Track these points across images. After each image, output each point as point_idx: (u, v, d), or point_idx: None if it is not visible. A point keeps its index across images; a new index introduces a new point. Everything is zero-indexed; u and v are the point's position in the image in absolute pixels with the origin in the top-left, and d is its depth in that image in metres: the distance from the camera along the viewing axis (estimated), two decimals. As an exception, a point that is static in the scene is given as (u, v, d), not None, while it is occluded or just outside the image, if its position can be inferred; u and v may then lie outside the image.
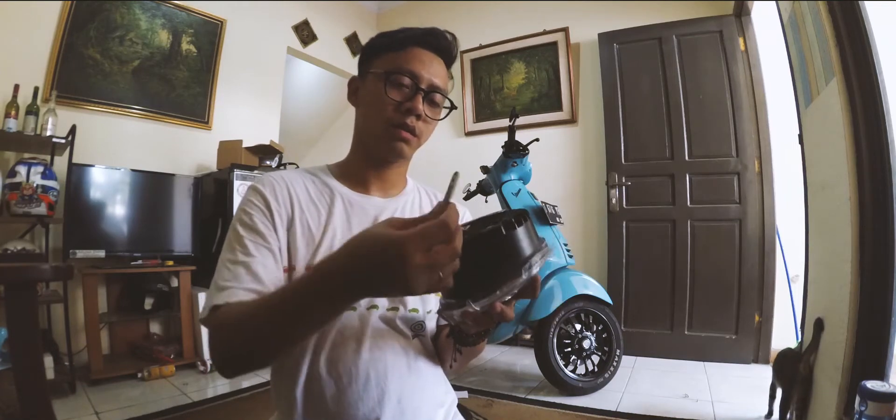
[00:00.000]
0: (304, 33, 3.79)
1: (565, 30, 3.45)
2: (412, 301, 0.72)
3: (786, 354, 1.72)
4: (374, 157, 0.75)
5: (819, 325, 1.56)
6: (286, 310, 0.51)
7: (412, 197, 0.83)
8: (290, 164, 3.15)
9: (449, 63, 0.75)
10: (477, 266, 0.45)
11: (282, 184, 0.71)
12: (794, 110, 1.87)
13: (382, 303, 0.70)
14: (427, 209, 0.83)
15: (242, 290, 0.61)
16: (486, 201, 2.54)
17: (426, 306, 0.74)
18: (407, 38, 0.71)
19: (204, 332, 2.63)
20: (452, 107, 0.76)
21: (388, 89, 0.69)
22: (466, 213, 0.87)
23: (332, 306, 0.49)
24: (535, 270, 0.47)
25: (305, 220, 0.69)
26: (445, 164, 3.58)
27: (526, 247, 0.47)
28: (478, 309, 0.46)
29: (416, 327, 0.74)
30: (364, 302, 0.69)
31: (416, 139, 0.71)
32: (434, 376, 0.75)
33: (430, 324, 0.77)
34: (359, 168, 0.77)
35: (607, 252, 3.10)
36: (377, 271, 0.43)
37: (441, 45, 0.73)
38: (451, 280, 0.43)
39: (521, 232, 0.47)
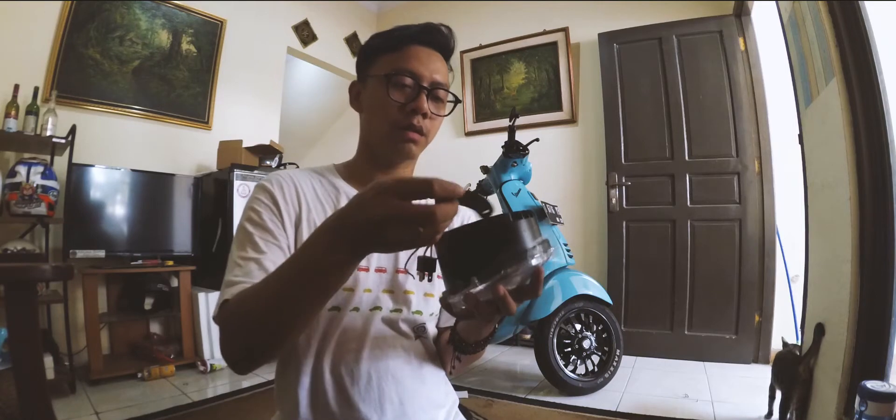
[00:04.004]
0: (304, 33, 3.79)
1: (565, 30, 3.45)
2: (416, 302, 0.72)
3: (784, 356, 1.72)
4: (381, 160, 0.75)
5: (820, 330, 1.56)
6: (284, 282, 0.51)
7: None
8: (290, 163, 3.15)
9: (447, 57, 0.75)
10: (482, 247, 0.47)
11: (289, 182, 0.71)
12: (794, 110, 1.87)
13: (386, 305, 0.71)
14: None
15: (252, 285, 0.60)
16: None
17: (429, 308, 0.74)
18: (404, 37, 0.71)
19: (204, 332, 2.63)
20: (457, 100, 0.75)
21: (391, 91, 0.68)
22: (471, 214, 0.87)
23: (322, 269, 0.47)
24: (537, 260, 0.48)
25: (312, 218, 0.69)
26: (446, 165, 3.58)
27: (530, 236, 0.49)
28: (481, 287, 0.46)
29: (419, 329, 0.74)
30: (367, 304, 0.69)
31: (423, 138, 0.71)
32: (436, 378, 0.76)
33: (432, 326, 0.77)
34: (366, 170, 0.77)
35: (607, 252, 3.10)
36: (353, 213, 0.44)
37: (438, 40, 0.72)
38: (431, 241, 0.43)
39: (526, 222, 0.49)
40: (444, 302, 0.52)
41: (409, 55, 0.70)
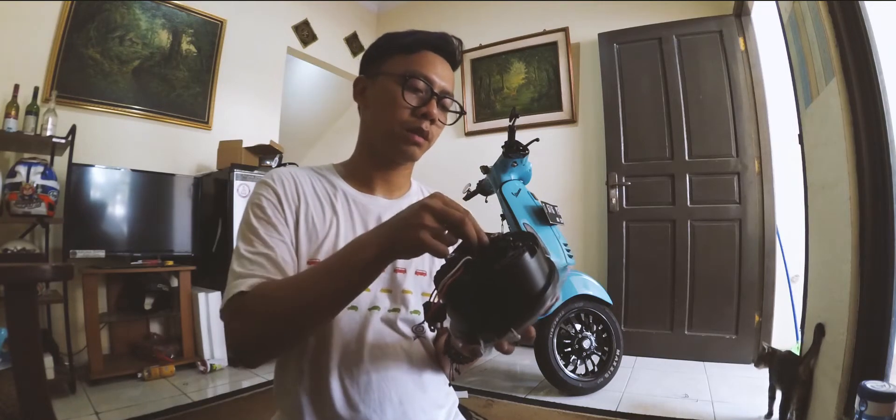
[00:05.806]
0: (304, 33, 3.79)
1: (565, 30, 3.45)
2: (414, 302, 0.73)
3: (785, 358, 1.72)
4: (382, 158, 0.76)
5: (820, 331, 1.56)
6: (323, 280, 0.56)
7: (416, 198, 0.82)
8: (290, 163, 3.15)
9: (454, 68, 0.77)
10: (507, 294, 0.47)
11: (290, 179, 0.72)
12: (794, 110, 1.87)
13: (384, 304, 0.71)
14: None
15: (268, 279, 0.61)
16: (486, 201, 2.54)
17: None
18: (418, 42, 0.72)
19: (204, 332, 2.63)
20: (462, 112, 0.77)
21: (406, 93, 0.69)
22: None
23: (364, 270, 0.54)
24: (552, 298, 0.48)
25: (310, 215, 0.70)
26: (446, 164, 3.58)
27: (546, 272, 0.49)
28: (519, 337, 0.48)
29: (418, 329, 0.74)
30: (365, 303, 0.69)
31: (427, 143, 0.73)
32: (435, 378, 0.76)
33: None
34: (364, 168, 0.77)
35: (607, 252, 3.10)
36: (397, 221, 0.52)
37: (450, 50, 0.74)
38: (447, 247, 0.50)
39: (536, 261, 0.48)
40: (470, 347, 0.53)
41: (424, 60, 0.71)
